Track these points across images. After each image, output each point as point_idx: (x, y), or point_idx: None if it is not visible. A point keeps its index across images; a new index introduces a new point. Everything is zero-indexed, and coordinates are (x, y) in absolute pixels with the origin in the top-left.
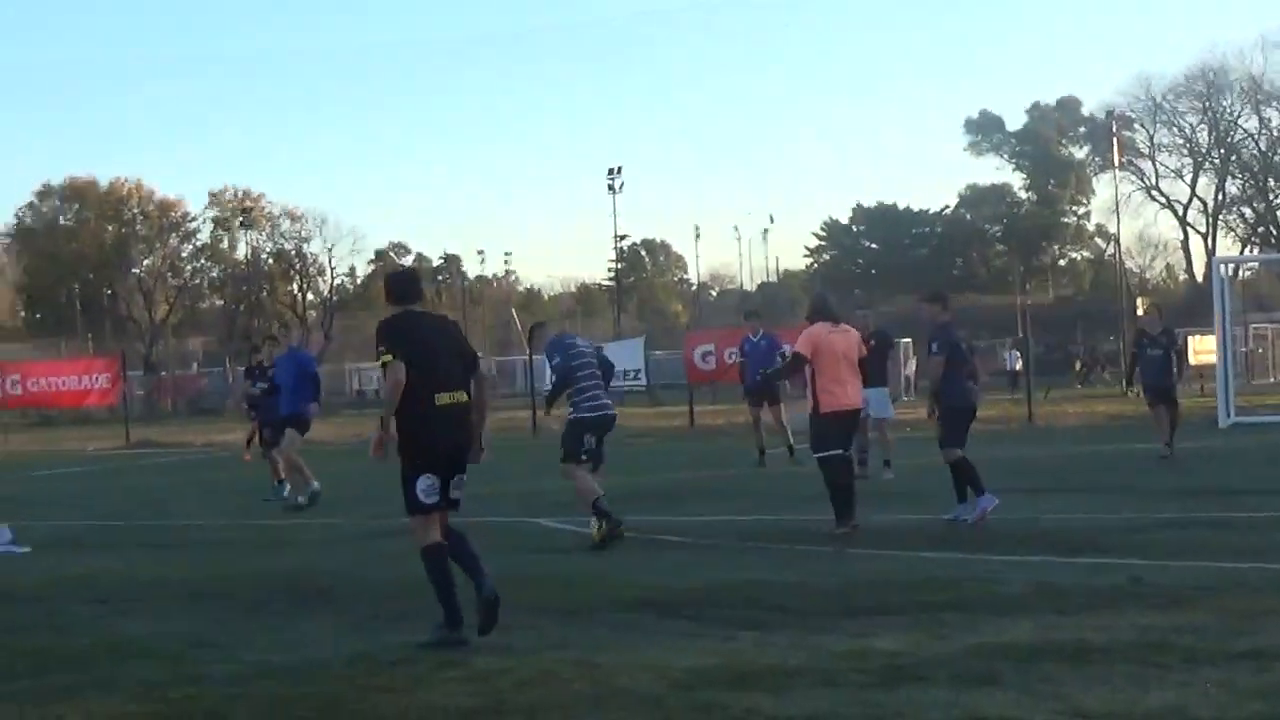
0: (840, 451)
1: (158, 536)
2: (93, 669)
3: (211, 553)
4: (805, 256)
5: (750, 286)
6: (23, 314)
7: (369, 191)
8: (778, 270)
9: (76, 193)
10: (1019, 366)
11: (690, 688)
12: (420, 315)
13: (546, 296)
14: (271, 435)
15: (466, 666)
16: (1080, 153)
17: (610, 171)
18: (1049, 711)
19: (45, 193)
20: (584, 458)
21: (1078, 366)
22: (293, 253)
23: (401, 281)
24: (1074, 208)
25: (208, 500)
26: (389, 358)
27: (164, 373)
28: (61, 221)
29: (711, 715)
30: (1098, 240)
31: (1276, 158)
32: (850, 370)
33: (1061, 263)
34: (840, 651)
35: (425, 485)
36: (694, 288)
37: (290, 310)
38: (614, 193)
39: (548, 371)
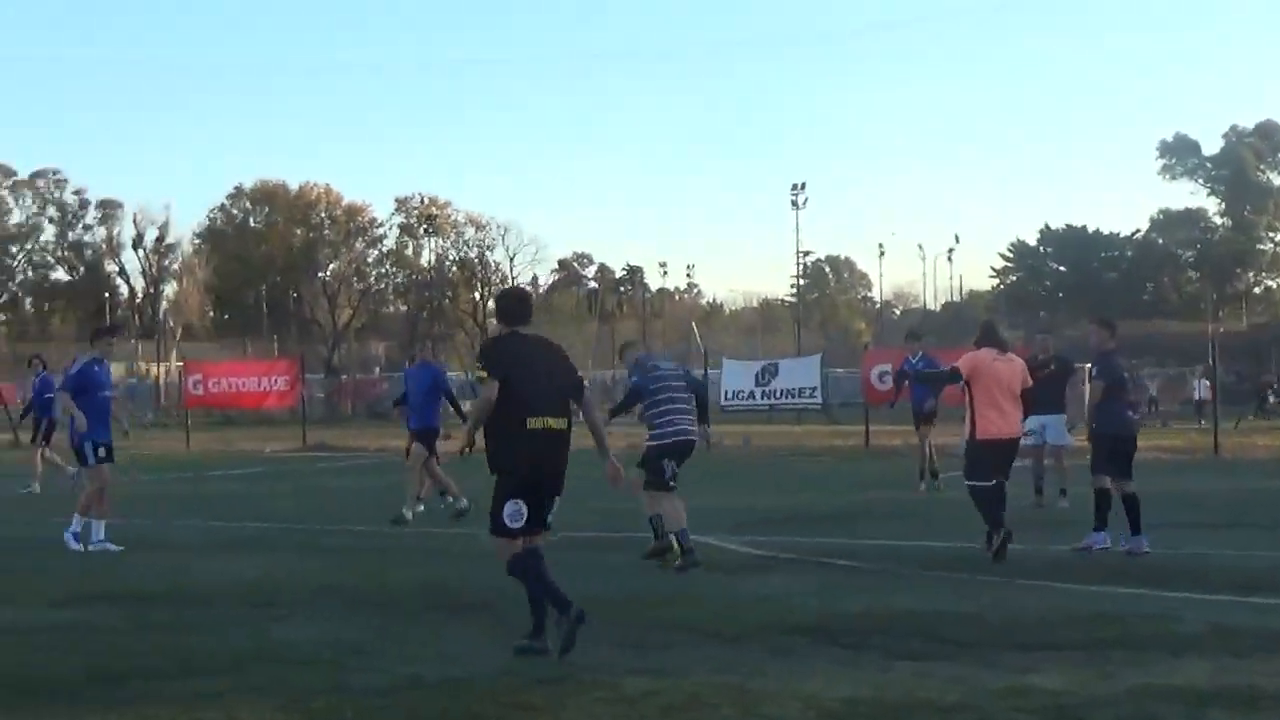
0: (990, 483)
1: (325, 541)
2: (244, 673)
3: (377, 560)
4: (991, 277)
5: (934, 306)
6: (211, 315)
7: (553, 202)
8: (962, 290)
9: (266, 196)
10: (1208, 395)
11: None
12: (524, 339)
13: (728, 310)
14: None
15: (615, 688)
16: (1277, 178)
17: (794, 187)
18: None
19: (236, 195)
20: (671, 484)
21: (1271, 399)
22: (475, 260)
23: (510, 302)
24: (1271, 234)
25: (377, 506)
26: (484, 375)
27: (345, 376)
28: (251, 224)
29: None
30: None
31: None
32: (1010, 400)
33: (1256, 290)
34: (1000, 689)
35: (511, 510)
36: (877, 306)
37: (470, 317)
38: (798, 208)
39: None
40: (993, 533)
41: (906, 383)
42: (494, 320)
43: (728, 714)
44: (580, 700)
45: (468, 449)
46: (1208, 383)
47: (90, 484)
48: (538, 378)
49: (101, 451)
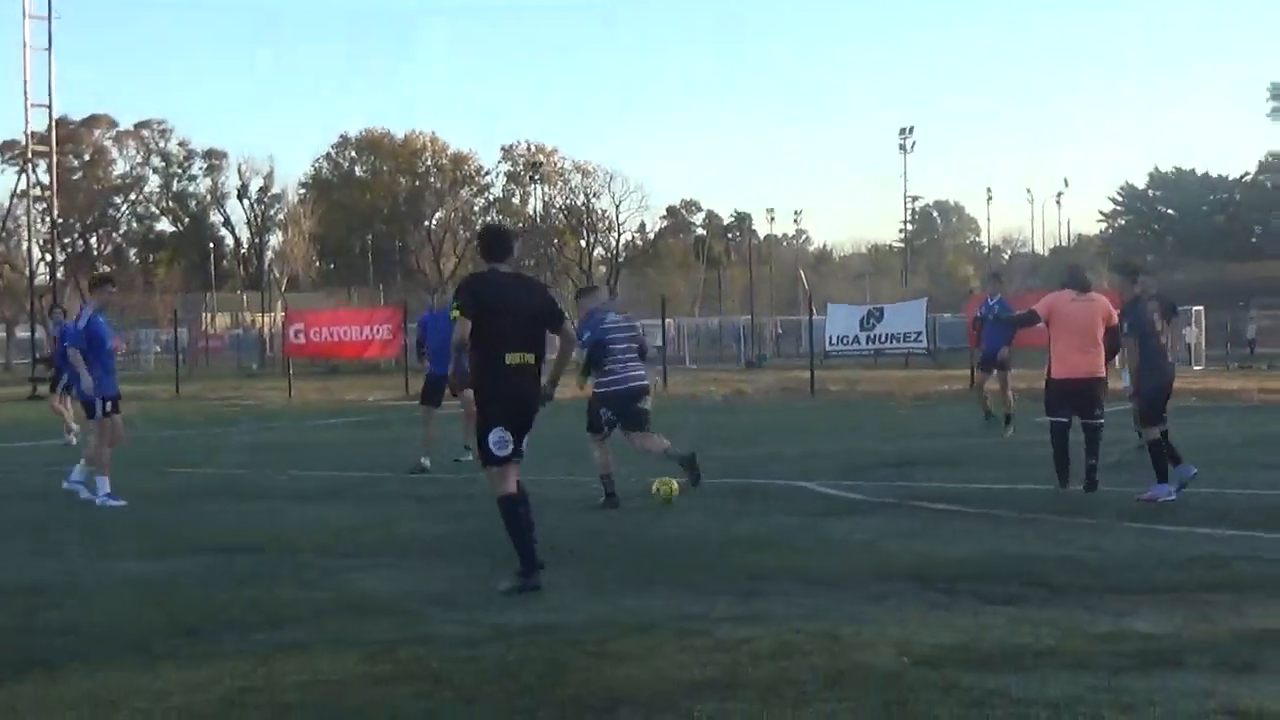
0: (1065, 420)
1: (419, 489)
2: (329, 625)
3: (469, 507)
4: (1099, 221)
5: (1042, 250)
6: (316, 264)
7: (660, 148)
8: (1070, 234)
9: (372, 145)
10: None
11: (933, 666)
12: (502, 276)
13: (837, 256)
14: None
15: (707, 636)
16: None
17: (902, 131)
18: None
19: (342, 144)
20: (605, 430)
21: None
22: (582, 208)
23: (490, 238)
24: None
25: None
26: (457, 314)
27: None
28: (357, 173)
29: (950, 697)
30: None
31: None
32: (1088, 341)
33: None
34: (1096, 633)
35: (497, 438)
36: (985, 250)
37: (577, 264)
38: (906, 153)
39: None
40: (1059, 481)
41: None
42: (602, 267)
43: (819, 661)
44: (670, 648)
45: (453, 372)
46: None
47: (96, 437)
48: (514, 314)
49: (109, 405)
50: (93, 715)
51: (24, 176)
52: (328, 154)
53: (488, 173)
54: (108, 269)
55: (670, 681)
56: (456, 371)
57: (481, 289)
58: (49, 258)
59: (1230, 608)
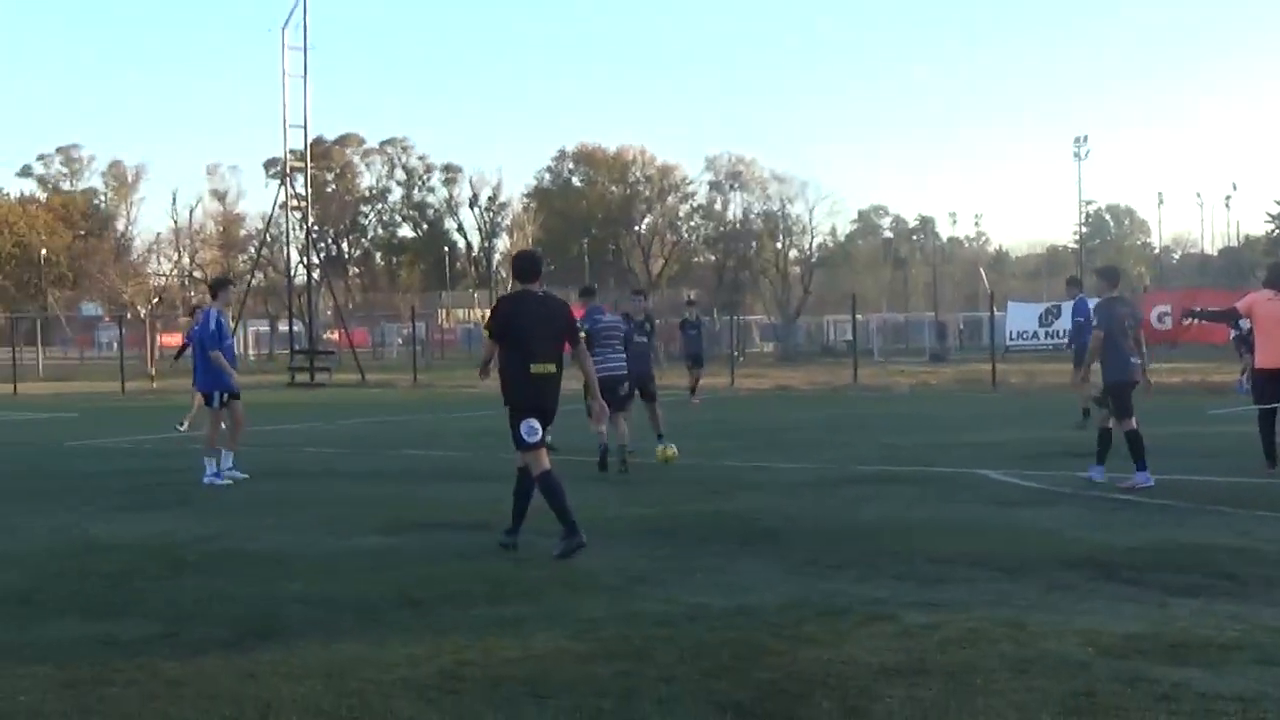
0: (1268, 407)
1: (630, 474)
2: (543, 601)
3: (677, 490)
4: (1267, 222)
5: (1211, 250)
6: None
7: (850, 157)
8: (1239, 235)
9: (587, 158)
10: None
11: (1120, 656)
12: (530, 296)
13: (1014, 257)
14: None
15: (896, 621)
16: None
17: (1076, 140)
18: None
19: (561, 157)
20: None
21: None
22: (778, 213)
23: (521, 263)
24: None
25: (680, 439)
26: (486, 333)
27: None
28: (574, 183)
29: (1137, 689)
30: None
31: None
32: None
33: None
34: None
35: (527, 428)
36: (1156, 251)
37: (774, 266)
38: (1080, 160)
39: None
40: (1268, 462)
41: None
42: (796, 268)
43: (1006, 649)
44: (860, 633)
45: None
46: None
47: (210, 425)
48: (535, 332)
49: (226, 396)
50: (325, 685)
51: (284, 189)
52: (548, 166)
53: (692, 182)
54: (228, 275)
55: (861, 666)
56: (483, 368)
57: (512, 309)
58: (306, 261)
59: None
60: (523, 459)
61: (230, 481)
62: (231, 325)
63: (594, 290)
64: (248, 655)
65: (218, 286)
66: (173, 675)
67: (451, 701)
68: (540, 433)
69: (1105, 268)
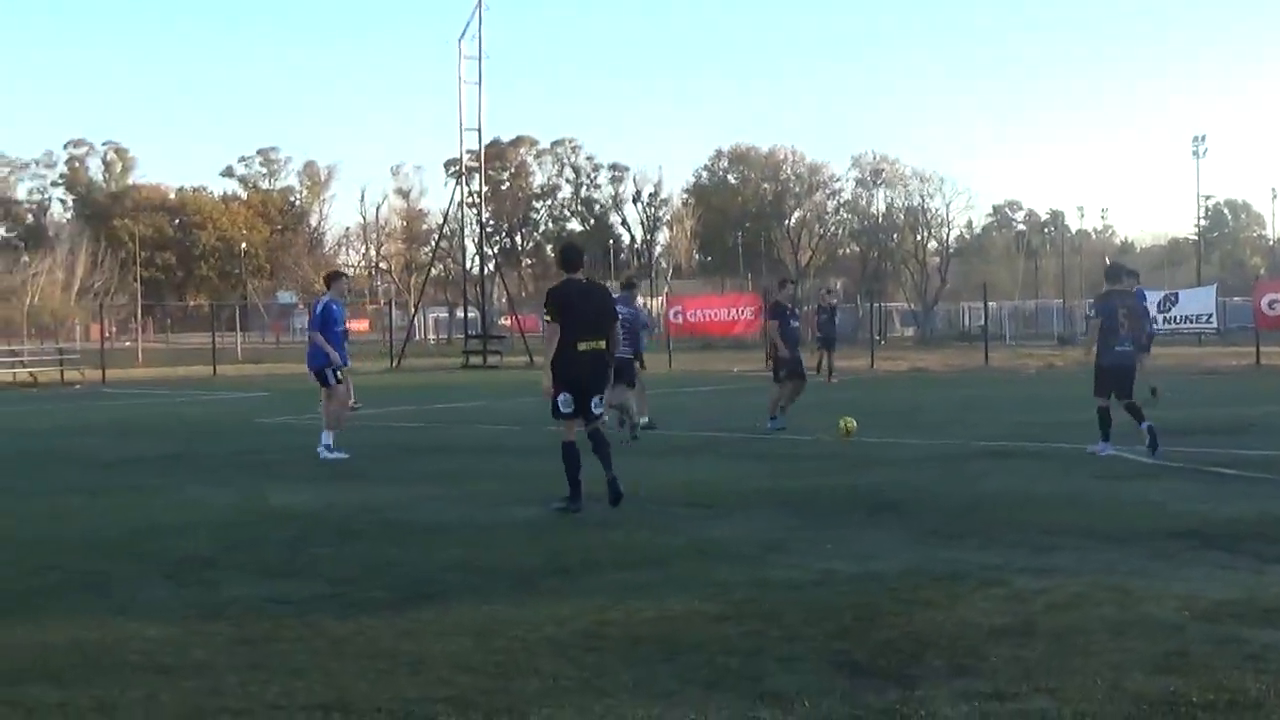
0: None
1: (768, 449)
2: (678, 567)
3: (813, 464)
4: None
5: None
6: (696, 257)
7: (986, 154)
8: None
9: (741, 157)
10: None
11: (1213, 620)
12: (574, 284)
13: (1139, 248)
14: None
15: (1007, 585)
16: None
17: (1195, 139)
18: None
19: (717, 157)
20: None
21: None
22: (918, 207)
23: (564, 255)
24: None
25: (818, 418)
26: (549, 318)
27: (805, 307)
28: (729, 181)
29: (1227, 649)
30: None
31: None
32: None
33: None
34: None
35: (563, 399)
36: (1270, 243)
37: (914, 257)
38: (1198, 158)
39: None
40: None
41: None
42: (935, 259)
43: (1108, 612)
44: (974, 597)
45: (547, 385)
46: None
47: (330, 402)
48: (585, 313)
49: (340, 374)
50: (476, 642)
51: (461, 188)
52: (706, 165)
53: (839, 179)
54: (341, 269)
55: (972, 627)
56: (548, 356)
57: (563, 295)
58: (481, 253)
59: None
60: (560, 428)
61: (338, 457)
62: (346, 313)
63: (635, 284)
64: (405, 615)
65: (330, 279)
66: (336, 633)
67: (591, 658)
68: (573, 406)
69: (1109, 266)
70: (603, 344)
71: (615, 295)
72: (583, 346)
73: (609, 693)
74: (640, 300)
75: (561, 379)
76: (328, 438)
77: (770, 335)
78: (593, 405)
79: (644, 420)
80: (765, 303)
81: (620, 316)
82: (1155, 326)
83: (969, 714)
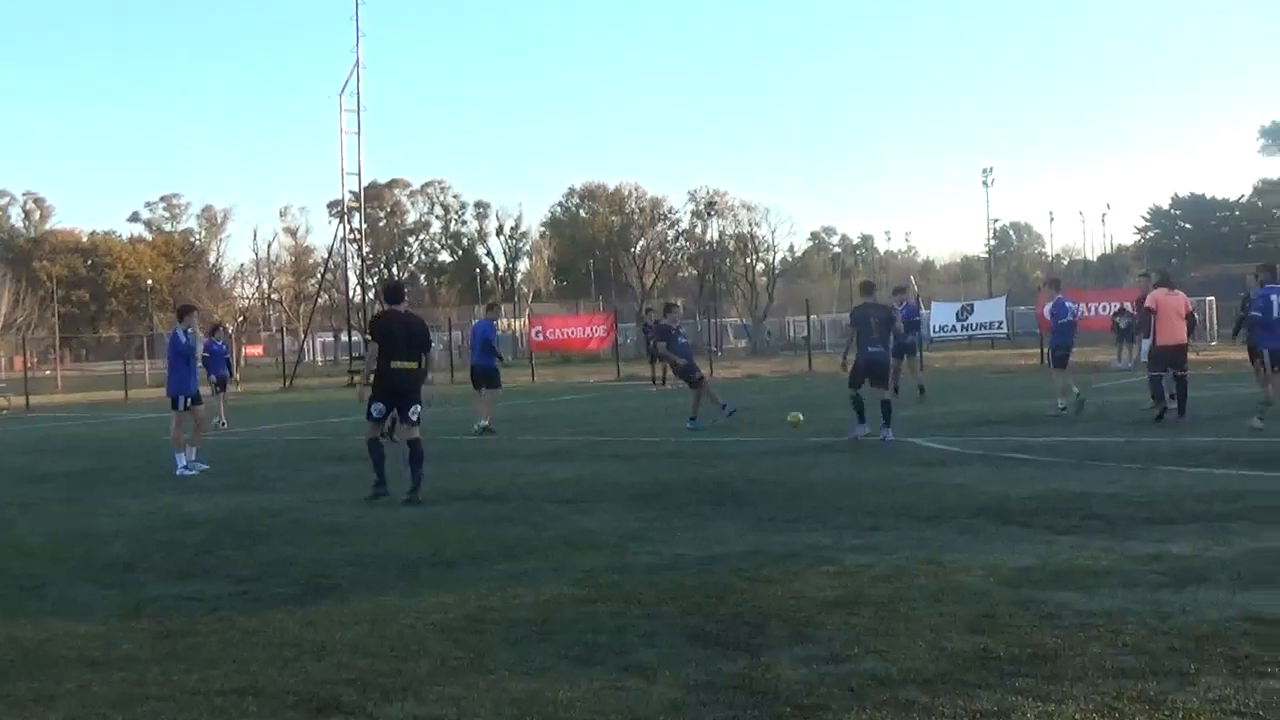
0: (1164, 372)
1: (625, 449)
2: (551, 557)
3: (664, 462)
4: (1134, 234)
5: (1092, 258)
6: (553, 283)
7: (806, 186)
8: (1112, 245)
9: (591, 193)
10: None
11: (1014, 585)
12: (395, 314)
13: (938, 266)
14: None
15: (838, 563)
16: None
17: (984, 170)
18: None
19: (570, 194)
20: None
21: None
22: (747, 234)
23: (388, 291)
24: None
25: (668, 420)
26: (370, 339)
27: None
28: (581, 214)
29: (1028, 610)
30: None
31: None
32: (1179, 319)
33: None
34: (1141, 555)
35: (376, 408)
36: (1049, 259)
37: (744, 279)
38: (987, 187)
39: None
40: (1157, 406)
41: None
42: (763, 279)
43: (925, 582)
44: (809, 574)
45: (364, 380)
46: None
47: (179, 427)
48: (400, 338)
49: (189, 400)
50: (372, 629)
51: (343, 225)
52: (560, 201)
53: (677, 211)
54: (191, 303)
55: (808, 600)
56: (366, 371)
57: (383, 323)
58: (361, 283)
59: (1246, 533)
60: (370, 429)
61: (196, 472)
62: (197, 343)
63: (496, 305)
64: (307, 607)
65: (181, 312)
66: (246, 625)
67: (475, 640)
68: (383, 412)
69: (864, 281)
70: (414, 364)
71: (480, 319)
72: (396, 365)
73: (492, 670)
74: (504, 322)
75: (376, 391)
76: (181, 458)
77: (662, 354)
78: (410, 414)
79: (484, 423)
80: (650, 326)
81: (486, 338)
82: (955, 333)
83: (809, 676)
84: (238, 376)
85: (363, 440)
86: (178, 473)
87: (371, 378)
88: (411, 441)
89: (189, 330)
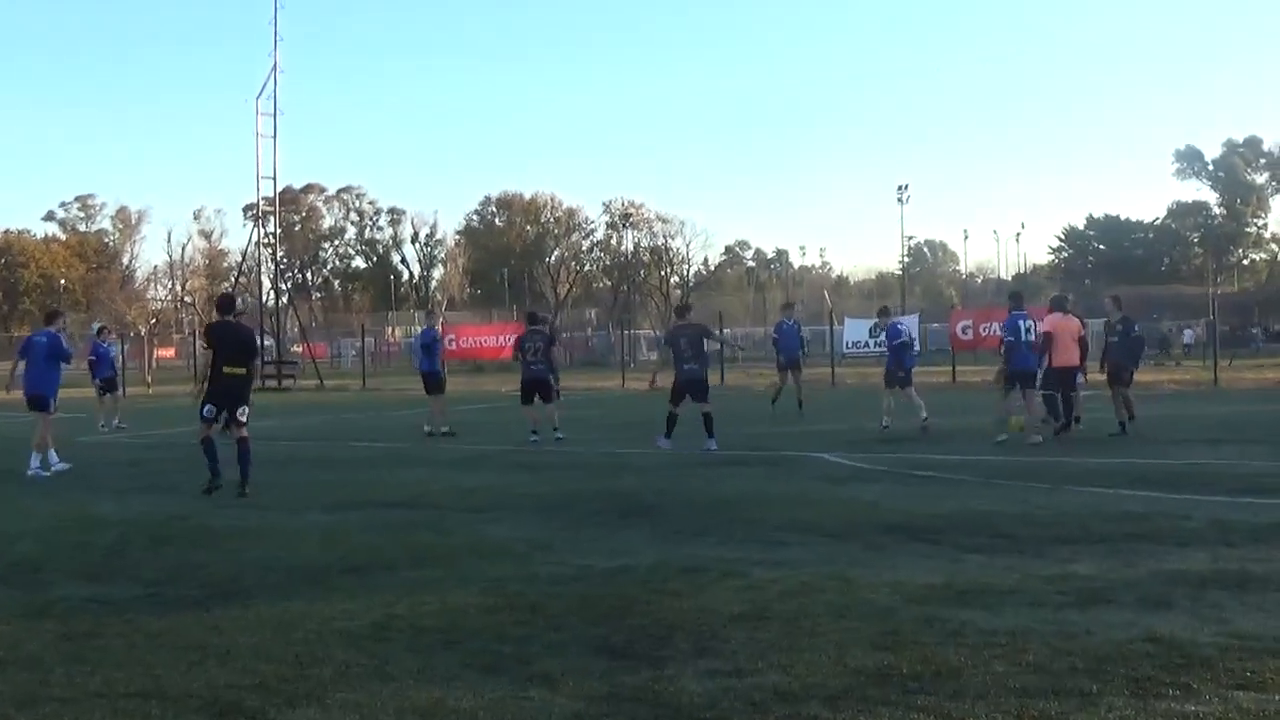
0: (1056, 393)
1: (538, 459)
2: (457, 565)
3: (572, 473)
4: (1049, 254)
5: (1006, 276)
6: (468, 291)
7: (720, 200)
8: (1027, 264)
9: (506, 203)
10: (1190, 341)
11: (920, 602)
12: (227, 324)
13: (851, 281)
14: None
15: (744, 577)
16: (1260, 178)
17: (899, 187)
18: (1213, 633)
19: (486, 203)
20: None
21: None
22: (662, 247)
23: (220, 302)
24: (1256, 220)
25: (582, 430)
26: (205, 346)
27: (564, 334)
28: (496, 223)
29: (933, 627)
30: (1272, 245)
31: None
32: (1073, 343)
33: (1245, 262)
34: (1046, 575)
35: (207, 410)
36: (963, 276)
37: (658, 290)
38: (902, 204)
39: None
40: (1056, 424)
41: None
42: (677, 291)
43: (831, 598)
44: (715, 587)
45: (199, 386)
46: (1191, 331)
47: (46, 426)
48: (231, 346)
49: (54, 404)
50: (276, 634)
51: (258, 229)
52: (476, 210)
53: (592, 222)
54: (57, 308)
55: (713, 614)
56: (201, 373)
57: (215, 332)
58: (275, 287)
59: (1149, 554)
60: (200, 428)
61: (50, 473)
62: (68, 346)
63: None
64: (213, 612)
65: (49, 317)
66: (152, 629)
67: (379, 648)
68: (215, 413)
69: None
70: (242, 370)
71: (433, 327)
72: (227, 370)
73: (396, 678)
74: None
75: (210, 394)
76: (36, 460)
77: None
78: (239, 414)
79: (445, 429)
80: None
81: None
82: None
83: (712, 689)
84: (149, 379)
85: (196, 440)
86: (36, 473)
87: (206, 381)
88: (240, 440)
89: (57, 335)
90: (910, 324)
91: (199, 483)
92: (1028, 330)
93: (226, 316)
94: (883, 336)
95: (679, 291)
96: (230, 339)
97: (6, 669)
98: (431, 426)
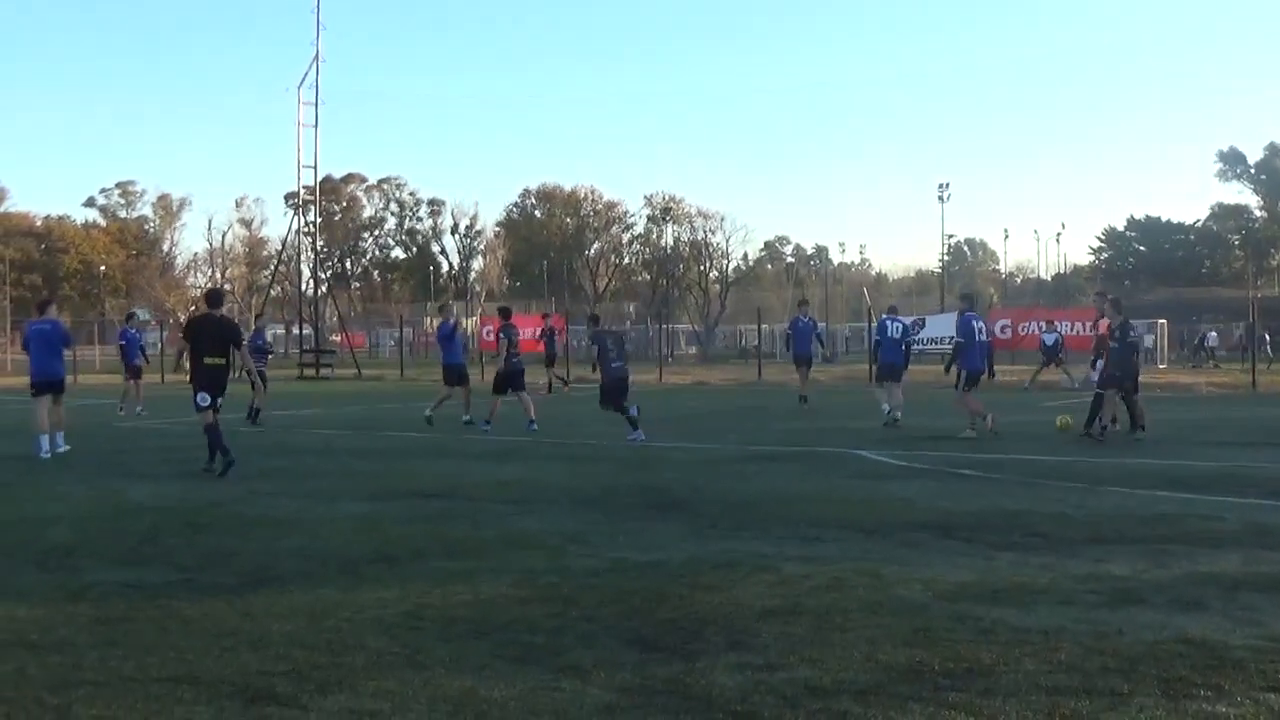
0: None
1: (572, 451)
2: (490, 556)
3: (606, 466)
4: (1089, 254)
5: (1046, 277)
6: (506, 283)
7: (761, 195)
8: (1067, 265)
9: (547, 195)
10: (1214, 344)
11: (952, 600)
12: (210, 317)
13: (890, 279)
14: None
15: (776, 571)
16: None
17: (940, 185)
18: (1246, 635)
19: (526, 195)
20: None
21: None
22: (702, 242)
23: (208, 296)
24: None
25: (617, 424)
26: (184, 339)
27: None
28: (536, 216)
29: (964, 625)
30: None
31: None
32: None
33: None
34: (1080, 574)
35: (200, 398)
36: (1002, 276)
37: (697, 285)
38: (943, 202)
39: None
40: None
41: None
42: (716, 286)
43: (863, 594)
44: (749, 581)
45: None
46: (1214, 335)
47: (42, 410)
48: (212, 338)
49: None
50: (309, 622)
51: (298, 218)
52: (516, 202)
53: (632, 215)
54: (48, 296)
55: (746, 609)
56: (179, 360)
57: (193, 326)
58: (315, 276)
59: (1183, 555)
60: (200, 416)
61: (50, 455)
62: (66, 334)
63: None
64: (246, 599)
65: (41, 306)
66: (186, 614)
67: (411, 636)
68: (209, 400)
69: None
70: (222, 360)
71: (448, 320)
72: (208, 361)
73: (428, 666)
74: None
75: (198, 384)
76: (45, 441)
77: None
78: (217, 402)
79: (466, 418)
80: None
81: (443, 335)
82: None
83: (743, 683)
84: (188, 365)
85: (201, 427)
86: (40, 454)
87: (192, 371)
88: (209, 426)
89: (49, 323)
90: (947, 321)
91: (237, 470)
92: (979, 331)
93: (212, 310)
94: (922, 334)
95: (717, 286)
96: (210, 332)
97: (40, 653)
98: (470, 415)
